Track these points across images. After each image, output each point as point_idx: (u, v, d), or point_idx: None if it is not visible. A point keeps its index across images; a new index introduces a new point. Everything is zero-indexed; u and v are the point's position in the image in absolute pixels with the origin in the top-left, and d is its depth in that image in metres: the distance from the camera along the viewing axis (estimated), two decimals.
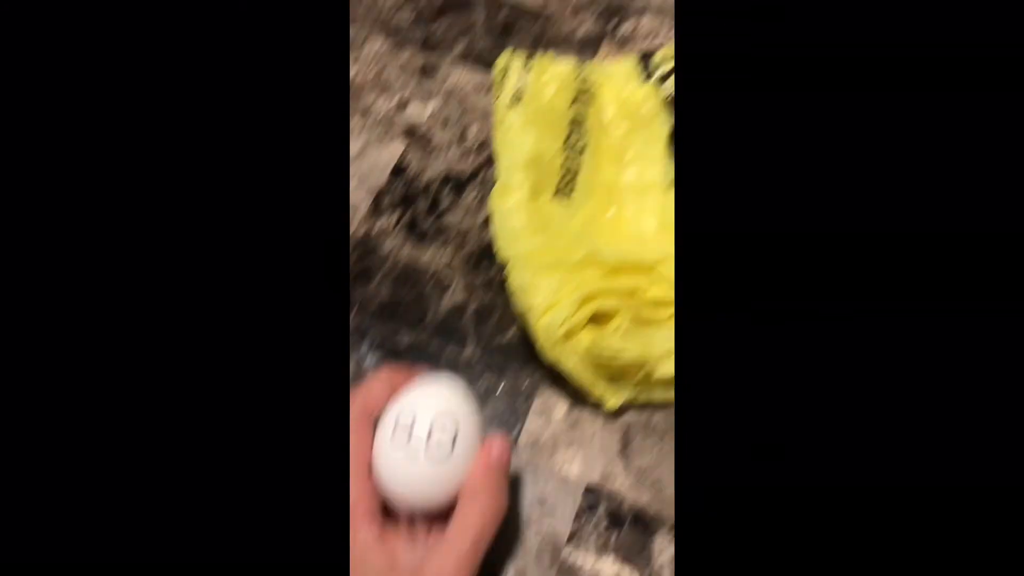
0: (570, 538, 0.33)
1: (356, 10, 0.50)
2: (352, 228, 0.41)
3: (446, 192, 0.42)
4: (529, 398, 0.36)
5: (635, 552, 0.32)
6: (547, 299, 0.32)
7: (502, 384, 0.36)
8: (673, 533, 0.32)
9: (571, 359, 0.32)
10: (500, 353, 0.37)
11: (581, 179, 0.36)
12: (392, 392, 0.29)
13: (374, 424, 0.29)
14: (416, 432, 0.27)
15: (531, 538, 0.33)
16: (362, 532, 0.27)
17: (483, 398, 0.36)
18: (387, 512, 0.29)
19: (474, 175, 0.43)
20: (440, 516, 0.28)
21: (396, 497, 0.28)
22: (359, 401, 0.29)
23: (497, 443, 0.29)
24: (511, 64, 0.36)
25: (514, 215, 0.34)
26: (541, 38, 0.48)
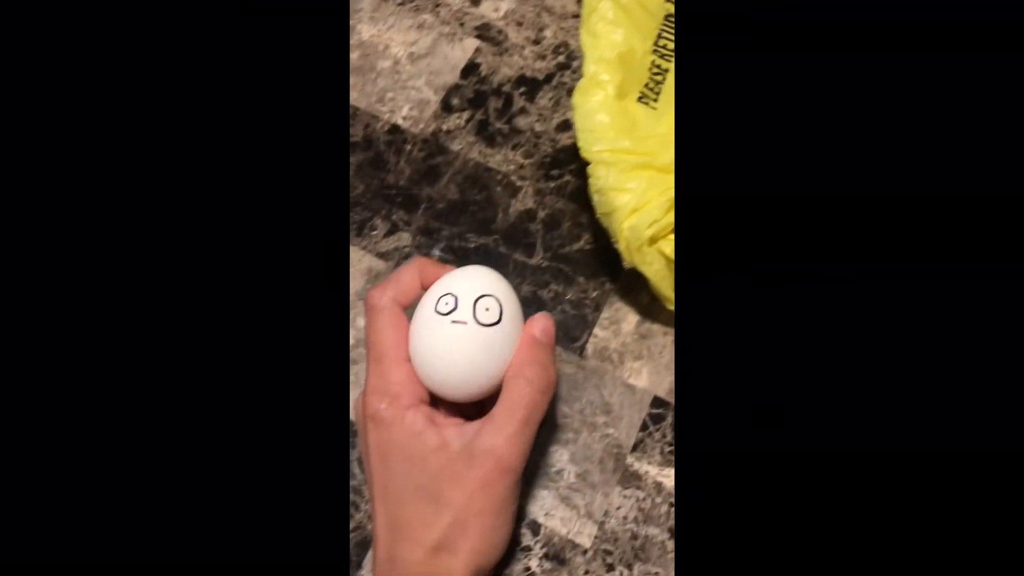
0: (634, 447, 0.32)
1: None
2: (421, 126, 0.40)
3: (519, 94, 0.40)
4: (598, 309, 0.35)
5: None
6: (634, 201, 0.30)
7: (570, 294, 0.35)
8: None
9: (655, 264, 0.30)
10: (569, 262, 0.36)
11: (669, 83, 0.34)
12: (424, 282, 0.28)
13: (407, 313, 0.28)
14: (459, 314, 0.26)
15: (595, 444, 0.32)
16: (410, 415, 0.26)
17: (550, 307, 0.35)
18: (433, 403, 0.28)
19: (549, 78, 0.41)
20: (489, 404, 0.27)
21: (442, 384, 0.27)
22: (389, 290, 0.28)
23: (540, 320, 0.28)
24: None
25: (599, 112, 0.32)
26: None
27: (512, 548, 0.31)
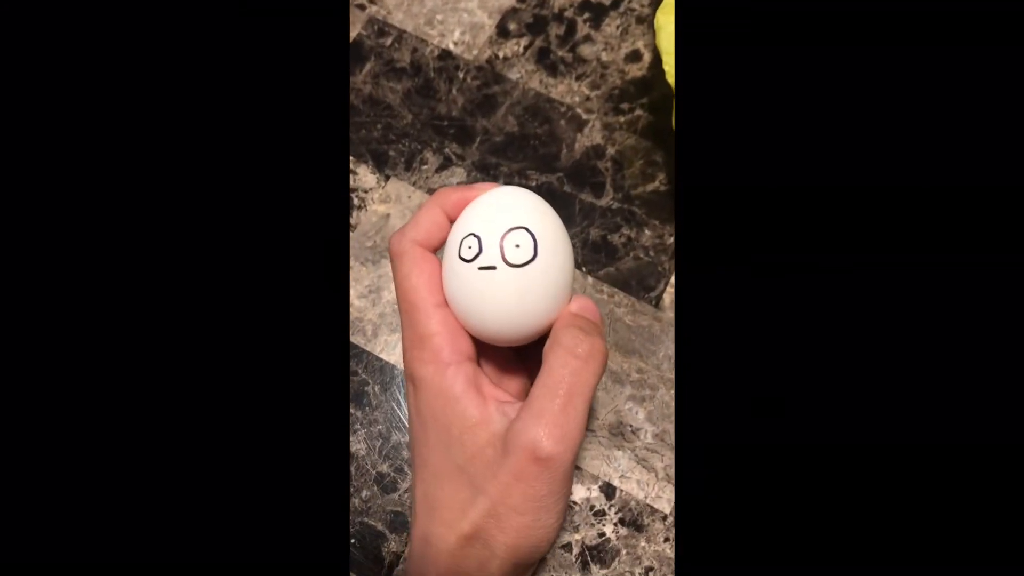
0: None
1: None
2: (475, 52, 0.36)
3: (583, 20, 0.36)
4: (673, 256, 0.32)
5: None
6: None
7: (643, 239, 0.32)
8: None
9: None
10: (642, 204, 0.33)
11: None
12: (451, 214, 0.24)
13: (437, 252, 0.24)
14: (485, 258, 0.22)
15: (674, 402, 0.29)
16: (450, 374, 0.23)
17: (621, 253, 0.32)
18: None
19: (616, 3, 0.37)
20: (536, 346, 0.24)
21: (482, 332, 0.23)
22: (409, 232, 0.24)
23: (577, 299, 0.24)
24: None
25: None
26: None
27: (583, 514, 0.28)
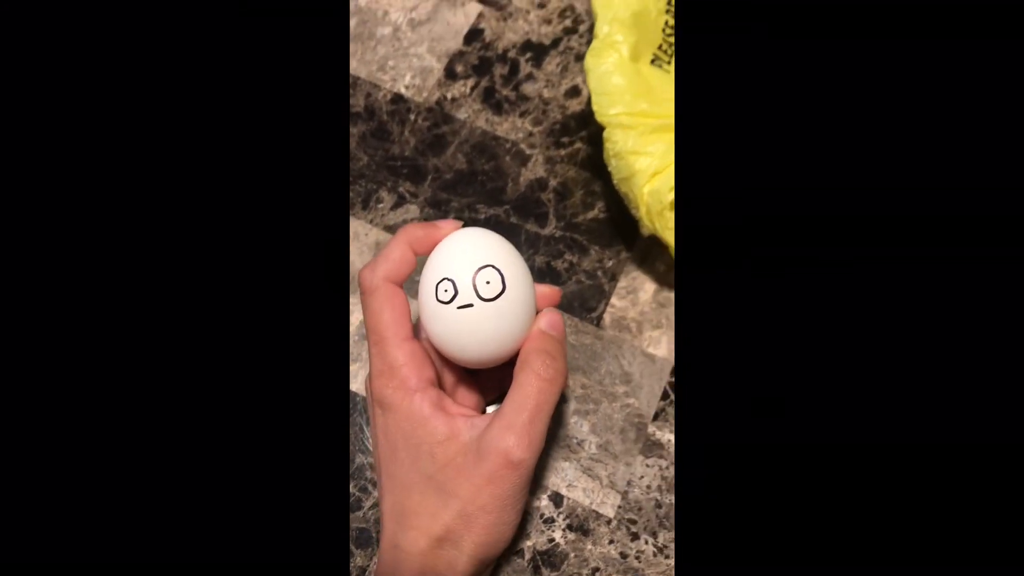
0: (655, 416, 0.32)
1: None
2: (424, 95, 0.38)
3: (525, 60, 0.39)
4: (614, 278, 0.34)
5: None
6: (655, 164, 0.29)
7: (584, 264, 0.35)
8: None
9: (675, 229, 0.30)
10: (583, 232, 0.35)
11: None
12: (417, 249, 0.27)
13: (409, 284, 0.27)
14: (462, 298, 0.25)
15: (615, 414, 0.32)
16: (417, 400, 0.25)
17: (565, 277, 0.34)
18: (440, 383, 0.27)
19: (555, 43, 0.40)
20: (504, 369, 0.27)
21: (461, 358, 0.26)
22: (380, 268, 0.27)
23: (547, 315, 0.27)
24: None
25: (614, 74, 0.31)
26: None
27: (533, 522, 0.30)
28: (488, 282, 0.25)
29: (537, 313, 0.27)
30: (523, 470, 0.25)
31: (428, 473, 0.25)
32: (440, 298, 0.25)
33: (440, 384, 0.28)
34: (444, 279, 0.25)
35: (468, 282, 0.25)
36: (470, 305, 0.25)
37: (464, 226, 0.28)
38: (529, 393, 0.25)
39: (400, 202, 0.36)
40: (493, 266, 0.25)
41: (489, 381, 0.30)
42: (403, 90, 0.39)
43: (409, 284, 0.31)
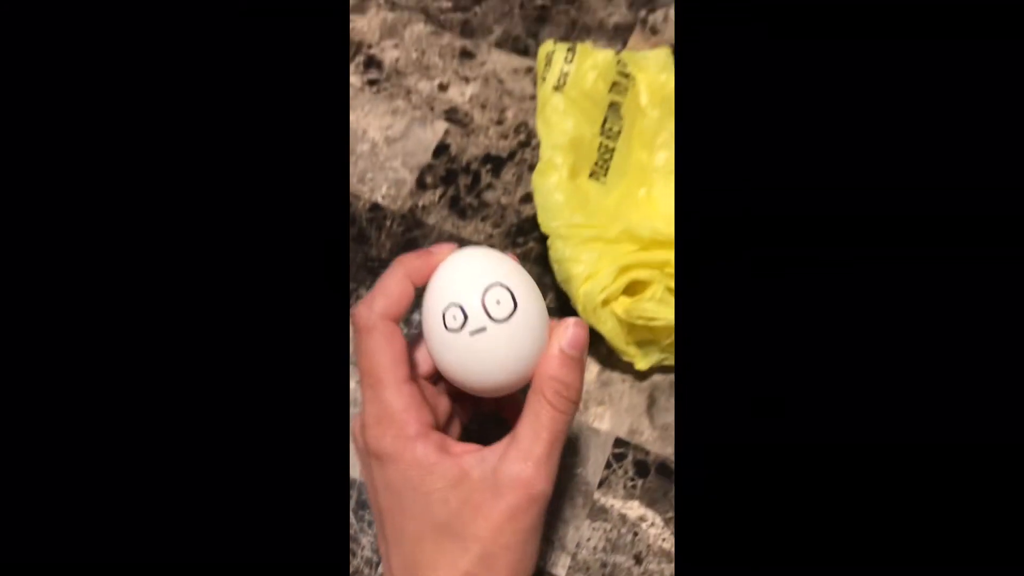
0: (600, 484, 0.36)
1: None
2: (399, 203, 0.44)
3: (486, 171, 0.45)
4: None
5: (659, 497, 0.36)
6: (587, 269, 0.35)
7: None
8: None
9: (608, 323, 0.35)
10: None
11: (616, 161, 0.40)
12: (416, 280, 0.26)
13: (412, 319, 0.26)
14: (473, 323, 0.23)
15: (566, 482, 0.36)
16: (420, 447, 0.24)
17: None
18: (447, 414, 0.27)
19: (512, 155, 0.46)
20: (512, 399, 0.26)
21: (475, 387, 0.25)
22: (377, 304, 0.25)
23: (568, 330, 0.25)
24: (555, 52, 0.39)
25: (555, 192, 0.37)
26: (575, 25, 0.51)
27: None
28: (498, 301, 0.24)
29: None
30: (544, 502, 0.24)
31: (442, 521, 0.24)
32: (449, 326, 0.24)
33: (439, 422, 0.27)
34: (451, 305, 0.24)
35: (477, 304, 0.24)
36: (483, 329, 0.23)
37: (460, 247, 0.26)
38: (544, 423, 0.24)
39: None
40: (501, 284, 0.24)
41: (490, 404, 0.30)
42: (380, 199, 0.44)
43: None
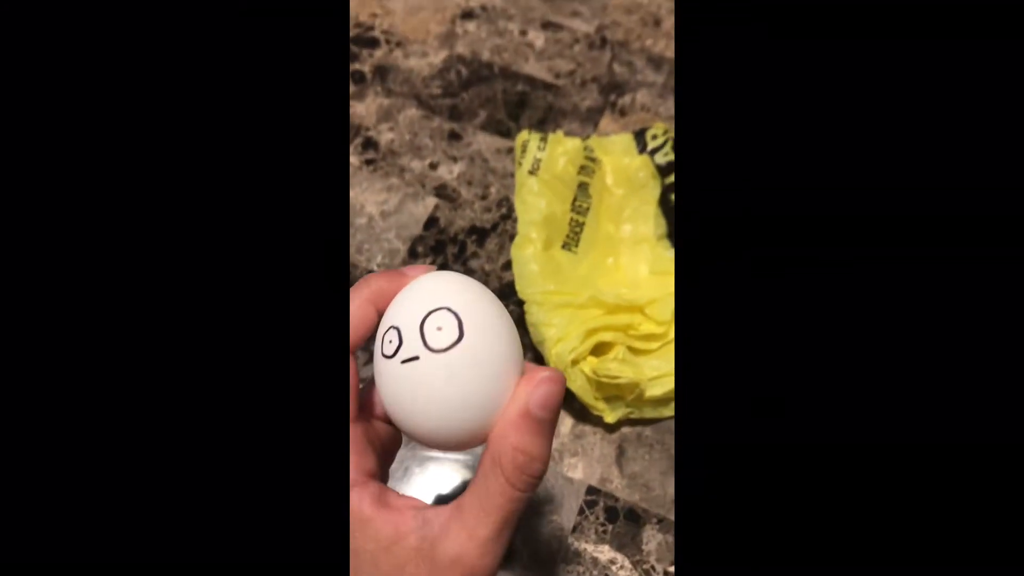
0: (574, 529, 0.40)
1: (394, 84, 0.58)
2: None
3: (471, 241, 0.50)
4: None
5: (628, 541, 0.39)
6: (559, 332, 0.39)
7: None
8: (659, 526, 0.39)
9: (578, 381, 0.39)
10: None
11: (586, 234, 0.44)
12: (380, 304, 0.23)
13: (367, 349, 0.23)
14: (407, 350, 0.20)
15: (542, 528, 0.40)
16: (355, 497, 0.21)
17: None
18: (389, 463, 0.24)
19: (494, 227, 0.51)
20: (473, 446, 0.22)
21: (423, 437, 0.22)
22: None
23: (540, 386, 0.21)
24: (530, 140, 0.44)
25: (531, 263, 0.42)
26: (551, 108, 0.57)
27: None
28: (440, 328, 0.20)
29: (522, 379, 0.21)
30: None
31: None
32: (384, 351, 0.21)
33: (382, 466, 0.23)
34: (390, 328, 0.21)
35: (415, 328, 0.20)
36: (415, 358, 0.20)
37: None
38: (496, 502, 0.20)
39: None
40: (448, 308, 0.20)
41: None
42: (375, 268, 0.49)
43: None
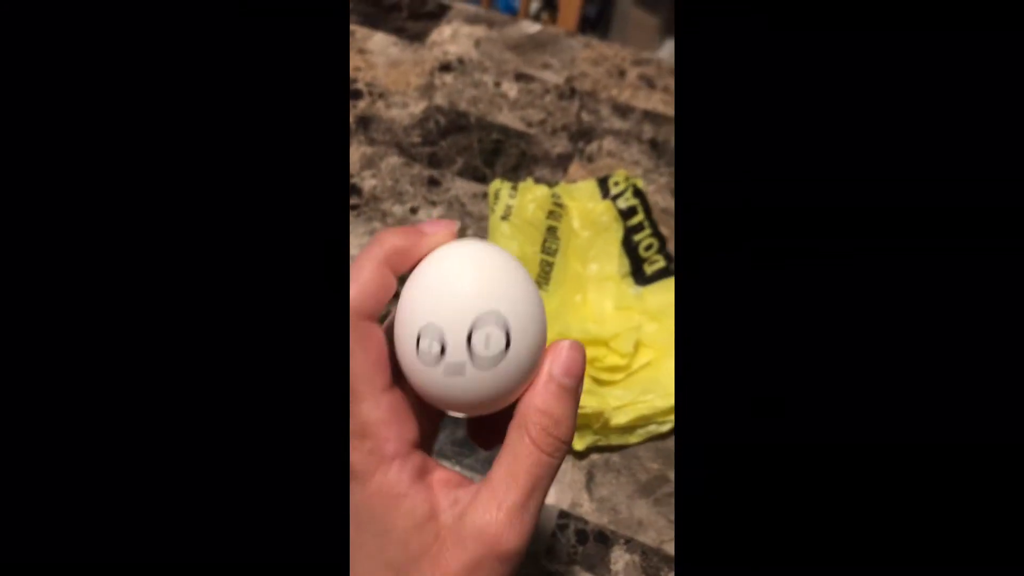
0: (547, 551, 0.42)
1: (376, 133, 0.62)
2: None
3: None
4: None
5: (597, 562, 0.42)
6: None
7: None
8: (627, 546, 0.42)
9: None
10: None
11: (555, 273, 0.48)
12: (396, 267, 0.22)
13: (380, 321, 0.22)
14: (452, 355, 0.19)
15: None
16: (394, 470, 0.20)
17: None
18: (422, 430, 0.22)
19: None
20: (500, 416, 0.22)
21: (439, 406, 0.22)
22: (351, 298, 0.21)
23: (563, 353, 0.21)
24: (501, 189, 0.47)
25: None
26: (524, 155, 0.60)
27: None
28: (488, 339, 0.19)
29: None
30: (514, 561, 0.20)
31: (395, 565, 0.21)
32: (423, 353, 0.20)
33: (422, 436, 0.22)
34: (429, 326, 0.20)
35: (461, 339, 0.19)
36: (462, 369, 0.19)
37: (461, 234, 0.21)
38: (524, 465, 0.20)
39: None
40: (496, 314, 0.19)
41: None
42: None
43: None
